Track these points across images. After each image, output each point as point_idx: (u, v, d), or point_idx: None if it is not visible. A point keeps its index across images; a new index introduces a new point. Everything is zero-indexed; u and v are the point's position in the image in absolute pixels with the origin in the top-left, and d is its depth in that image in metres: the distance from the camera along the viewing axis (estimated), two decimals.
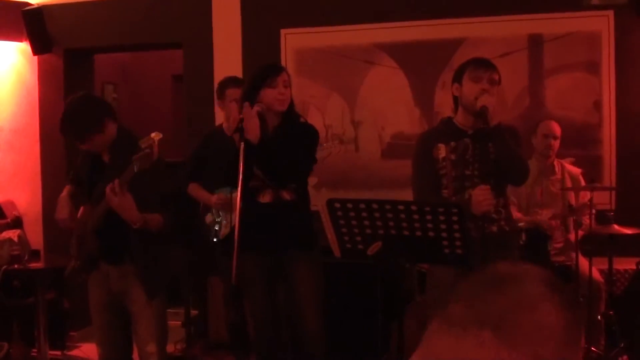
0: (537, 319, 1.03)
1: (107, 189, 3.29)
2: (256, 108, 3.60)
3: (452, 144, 3.59)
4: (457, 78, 3.64)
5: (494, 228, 3.58)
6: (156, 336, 3.63)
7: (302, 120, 4.00)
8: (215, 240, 4.61)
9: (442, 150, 3.60)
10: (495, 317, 1.02)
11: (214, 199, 4.50)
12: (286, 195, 3.83)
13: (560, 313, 1.06)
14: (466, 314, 1.04)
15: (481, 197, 3.43)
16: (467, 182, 3.56)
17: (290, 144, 3.75)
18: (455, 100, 3.68)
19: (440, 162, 3.61)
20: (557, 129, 5.01)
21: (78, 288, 3.96)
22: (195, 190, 4.64)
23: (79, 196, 3.76)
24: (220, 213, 4.60)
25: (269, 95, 3.73)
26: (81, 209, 3.73)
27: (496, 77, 3.59)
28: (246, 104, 3.60)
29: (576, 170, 5.08)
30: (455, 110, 3.70)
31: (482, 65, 3.61)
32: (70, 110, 3.46)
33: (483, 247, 3.39)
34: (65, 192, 3.77)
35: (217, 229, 4.60)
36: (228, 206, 4.23)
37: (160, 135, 3.18)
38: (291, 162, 3.73)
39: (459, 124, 3.65)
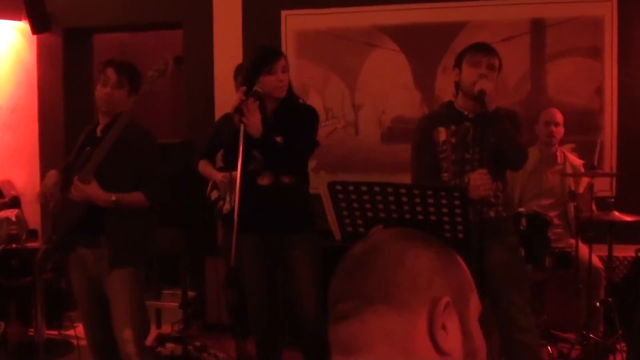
0: (410, 267, 1.07)
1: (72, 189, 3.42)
2: (254, 91, 3.57)
3: (453, 127, 3.58)
4: (458, 63, 3.63)
5: (492, 213, 3.58)
6: (132, 322, 3.56)
7: (301, 102, 3.97)
8: (219, 216, 4.64)
9: (442, 134, 3.59)
10: (377, 290, 1.06)
11: (219, 176, 4.49)
12: (285, 178, 3.80)
13: (425, 251, 1.10)
14: (356, 305, 1.07)
15: (479, 181, 3.41)
16: (467, 166, 3.54)
17: (290, 128, 3.73)
18: (456, 85, 3.66)
19: (440, 146, 3.59)
20: (558, 116, 4.97)
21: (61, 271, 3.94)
22: (204, 166, 4.63)
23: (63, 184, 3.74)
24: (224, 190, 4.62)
25: (268, 82, 3.69)
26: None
27: (496, 62, 3.56)
28: (242, 88, 3.59)
29: (578, 162, 5.04)
30: (456, 94, 3.69)
31: (481, 50, 3.59)
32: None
33: (480, 232, 3.37)
34: (53, 171, 3.76)
35: (221, 204, 4.63)
36: (230, 185, 4.25)
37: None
38: (293, 151, 3.71)
39: (460, 107, 3.63)
